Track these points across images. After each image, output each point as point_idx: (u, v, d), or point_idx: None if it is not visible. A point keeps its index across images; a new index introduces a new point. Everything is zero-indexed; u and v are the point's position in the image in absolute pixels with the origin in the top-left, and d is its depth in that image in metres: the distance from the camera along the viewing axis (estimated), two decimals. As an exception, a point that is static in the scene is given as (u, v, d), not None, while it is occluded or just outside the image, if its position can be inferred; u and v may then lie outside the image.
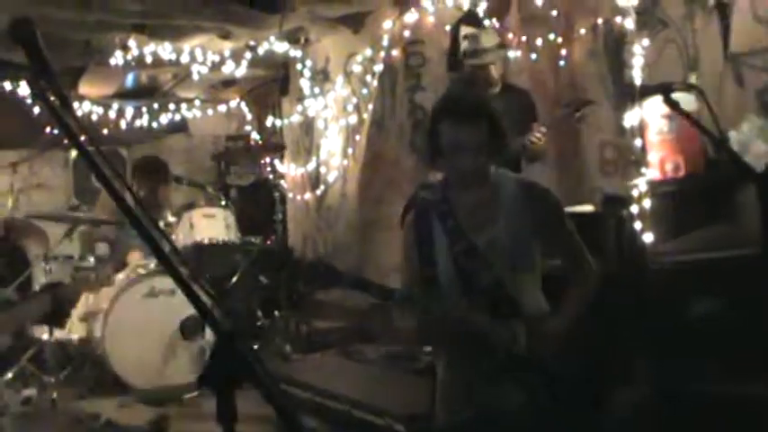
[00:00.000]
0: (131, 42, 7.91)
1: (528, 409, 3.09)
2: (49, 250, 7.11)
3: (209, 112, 10.32)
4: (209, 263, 6.90)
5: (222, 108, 10.39)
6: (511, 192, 3.29)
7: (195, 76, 8.81)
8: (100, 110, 9.38)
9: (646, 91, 4.84)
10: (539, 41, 6.42)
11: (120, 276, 6.52)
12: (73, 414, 5.76)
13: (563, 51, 6.29)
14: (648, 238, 4.53)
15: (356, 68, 8.18)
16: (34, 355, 6.35)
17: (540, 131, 5.33)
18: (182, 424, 5.58)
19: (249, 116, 10.72)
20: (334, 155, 8.73)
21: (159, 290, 6.22)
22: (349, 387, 5.64)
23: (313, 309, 7.97)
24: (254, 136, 10.50)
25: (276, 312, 7.38)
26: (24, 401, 5.90)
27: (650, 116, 4.82)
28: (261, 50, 8.30)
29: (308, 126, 9.29)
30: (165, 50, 8.17)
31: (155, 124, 9.88)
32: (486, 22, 6.74)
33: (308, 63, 8.96)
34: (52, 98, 1.78)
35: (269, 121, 9.93)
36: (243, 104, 10.62)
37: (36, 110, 8.37)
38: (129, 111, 9.65)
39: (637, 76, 5.15)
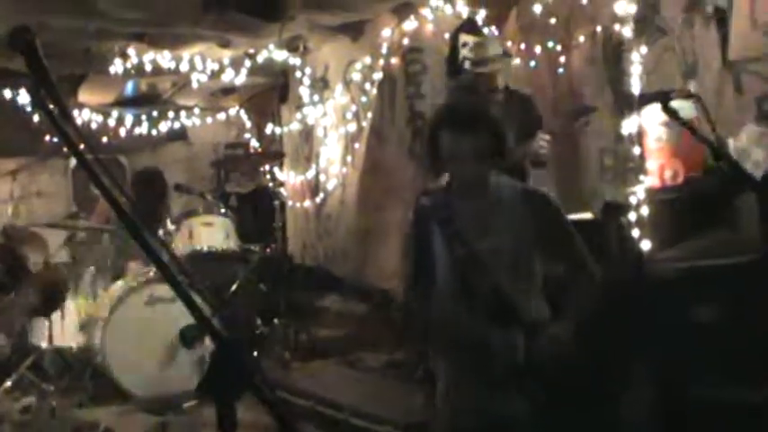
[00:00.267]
0: (131, 50, 7.93)
1: (528, 417, 3.09)
2: (49, 258, 7.11)
3: (209, 119, 10.34)
4: (208, 271, 6.90)
5: (222, 116, 10.40)
6: (512, 199, 3.29)
7: (195, 84, 8.83)
8: (99, 118, 9.40)
9: (644, 99, 4.84)
10: (537, 49, 6.44)
11: (120, 284, 6.52)
12: (72, 422, 5.75)
13: (562, 59, 6.30)
14: (647, 245, 4.54)
15: (355, 76, 8.18)
16: (33, 363, 6.34)
17: (545, 139, 5.34)
18: (181, 432, 5.58)
19: (248, 124, 10.72)
20: (334, 162, 8.74)
21: (158, 297, 6.22)
22: (349, 395, 5.65)
23: (312, 316, 7.97)
24: (254, 144, 10.51)
25: (275, 320, 7.37)
26: (23, 410, 5.90)
27: (649, 124, 4.83)
28: (260, 58, 8.32)
29: (307, 134, 9.30)
30: (165, 58, 8.18)
31: (154, 132, 9.90)
32: (485, 30, 6.76)
33: (308, 71, 8.97)
34: (52, 106, 1.78)
35: (268, 128, 9.94)
36: (242, 112, 10.62)
37: (36, 118, 8.37)
38: (129, 118, 9.66)
39: (635, 84, 5.16)
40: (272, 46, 8.21)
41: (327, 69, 8.81)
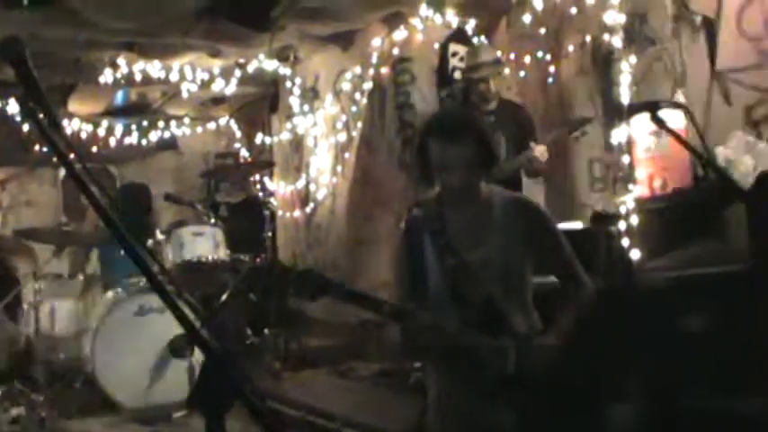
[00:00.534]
0: (121, 60, 7.93)
1: (518, 427, 3.09)
2: (38, 268, 7.09)
3: (199, 129, 10.34)
4: (198, 281, 6.88)
5: (212, 125, 10.40)
6: (503, 209, 3.29)
7: (185, 94, 8.83)
8: (89, 127, 9.38)
9: (633, 108, 4.86)
10: (527, 59, 6.46)
11: (109, 294, 6.50)
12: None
13: (551, 69, 6.32)
14: (636, 254, 4.54)
15: (345, 86, 8.19)
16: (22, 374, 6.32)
17: (542, 150, 5.35)
18: (171, 443, 5.57)
19: (238, 134, 10.72)
20: (324, 172, 8.74)
21: (148, 308, 6.20)
22: (340, 405, 5.64)
23: (303, 326, 7.96)
24: (244, 153, 10.51)
25: (266, 330, 7.35)
26: (13, 420, 5.87)
27: (638, 133, 4.84)
28: (250, 68, 8.33)
29: (297, 144, 9.31)
30: (155, 68, 8.18)
31: (144, 142, 9.89)
32: (475, 40, 6.78)
33: (298, 81, 8.98)
34: (41, 116, 1.78)
35: (258, 138, 9.94)
36: (232, 122, 10.62)
37: (25, 127, 8.36)
38: (119, 128, 9.65)
39: (624, 94, 5.17)
40: (262, 56, 8.22)
41: (317, 79, 8.82)
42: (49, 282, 6.60)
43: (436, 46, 7.25)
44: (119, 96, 9.78)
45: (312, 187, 9.00)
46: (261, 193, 9.19)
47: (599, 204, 5.70)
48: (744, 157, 4.45)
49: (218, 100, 10.12)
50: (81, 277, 6.75)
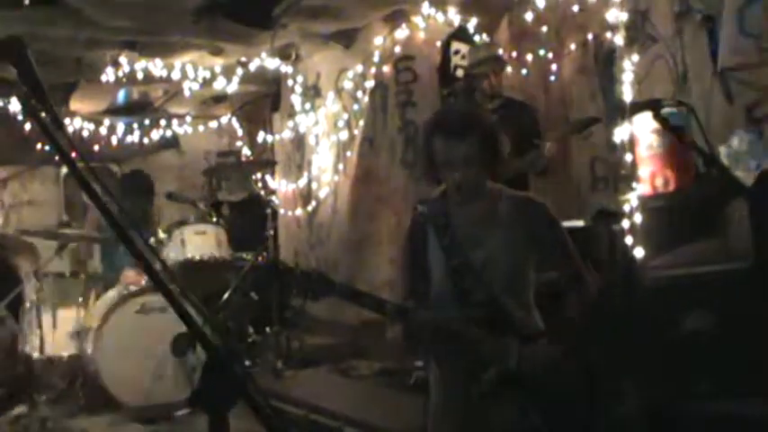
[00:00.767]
0: (122, 59, 7.92)
1: (519, 426, 3.08)
2: (40, 267, 7.09)
3: (201, 128, 10.34)
4: (200, 280, 6.88)
5: (213, 124, 10.40)
6: (508, 207, 3.29)
7: (186, 93, 8.83)
8: (91, 126, 9.40)
9: (636, 107, 4.85)
10: (529, 57, 6.46)
11: (111, 293, 6.50)
12: (63, 432, 5.74)
13: (553, 67, 6.32)
14: (639, 252, 4.54)
15: (347, 84, 8.19)
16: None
17: (548, 145, 5.35)
18: (173, 442, 5.57)
19: (240, 132, 10.73)
20: (326, 171, 8.74)
21: (150, 307, 6.20)
22: (341, 403, 5.64)
23: (304, 325, 7.96)
24: (246, 152, 10.51)
25: (268, 329, 7.35)
26: (14, 420, 5.87)
27: (640, 131, 4.83)
28: (252, 66, 8.32)
29: (299, 142, 9.30)
30: (157, 67, 8.18)
31: (146, 140, 9.91)
32: (477, 38, 6.78)
33: (300, 79, 8.97)
34: (43, 115, 1.78)
35: (260, 136, 9.95)
36: (234, 120, 10.63)
37: (27, 126, 8.36)
38: (121, 127, 9.67)
39: (627, 92, 5.17)
40: (264, 54, 8.22)
41: (319, 77, 8.82)
42: (50, 280, 6.60)
43: (438, 44, 7.25)
44: (120, 95, 9.79)
45: (314, 186, 9.00)
46: (262, 192, 9.19)
47: (601, 203, 5.71)
48: (746, 156, 4.44)
49: (220, 98, 10.13)
50: (83, 276, 6.74)
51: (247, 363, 6.81)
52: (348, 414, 5.27)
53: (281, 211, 9.37)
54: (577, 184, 6.19)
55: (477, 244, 3.23)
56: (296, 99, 9.01)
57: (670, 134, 4.15)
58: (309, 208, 9.06)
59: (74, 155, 1.78)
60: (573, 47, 6.16)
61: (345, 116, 8.34)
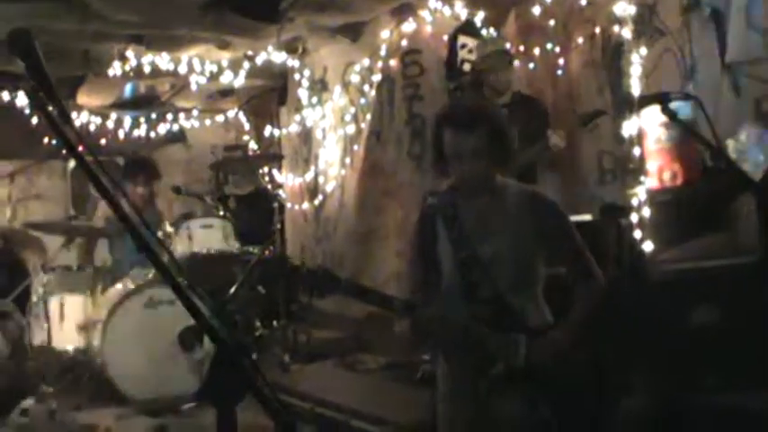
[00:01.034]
0: (129, 53, 7.92)
1: (527, 420, 3.08)
2: (47, 261, 7.10)
3: (208, 122, 10.33)
4: (207, 273, 6.89)
5: (220, 118, 10.39)
6: (516, 201, 3.29)
7: (193, 86, 8.82)
8: (98, 120, 9.39)
9: (644, 100, 4.84)
10: (536, 51, 6.44)
11: (119, 286, 6.52)
12: (71, 425, 5.74)
13: (561, 61, 6.30)
14: (648, 246, 4.53)
15: (354, 78, 8.18)
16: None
17: (557, 136, 5.35)
18: (180, 435, 5.57)
19: (247, 126, 10.72)
20: (333, 165, 8.73)
21: (158, 300, 6.21)
22: (348, 397, 5.64)
23: (311, 318, 7.96)
24: (253, 146, 10.51)
25: (275, 322, 7.36)
26: (22, 412, 5.88)
27: (648, 125, 4.82)
28: (259, 60, 8.31)
29: (306, 136, 9.30)
30: (164, 60, 8.18)
31: (153, 134, 9.90)
32: (484, 32, 6.76)
33: (306, 73, 8.96)
34: (50, 108, 1.78)
35: (267, 130, 9.93)
36: (241, 114, 10.62)
37: (34, 120, 8.37)
38: (128, 121, 9.67)
39: (634, 86, 5.16)
40: (270, 48, 8.21)
41: (326, 71, 8.81)
42: (58, 274, 6.60)
43: (445, 38, 7.23)
44: (127, 89, 9.79)
45: (321, 179, 8.99)
46: (269, 186, 9.18)
47: (610, 197, 5.70)
48: (754, 149, 4.43)
49: (227, 92, 10.11)
50: (90, 269, 6.75)
51: (254, 356, 6.82)
52: (355, 407, 5.28)
53: (288, 204, 9.37)
54: (585, 177, 6.17)
55: (484, 238, 3.23)
56: (303, 93, 9.00)
57: (678, 127, 4.14)
58: (316, 202, 9.06)
59: (81, 149, 1.78)
60: (580, 40, 6.14)
61: (352, 110, 8.33)
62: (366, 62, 7.92)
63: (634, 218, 4.66)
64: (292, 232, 9.48)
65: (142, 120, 9.80)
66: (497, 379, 3.10)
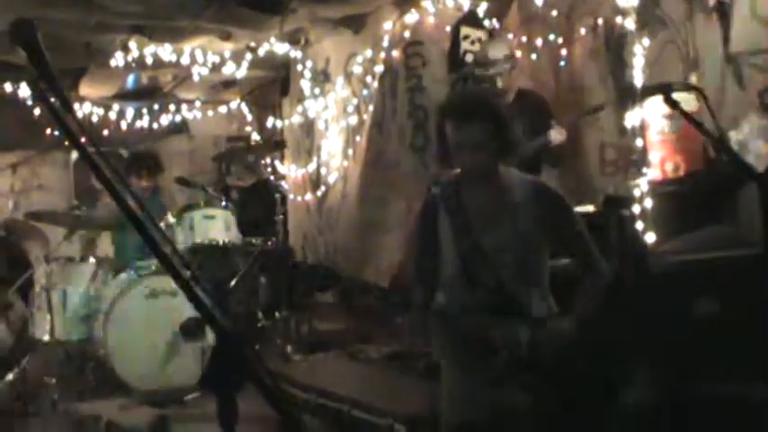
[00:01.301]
0: (132, 44, 7.92)
1: (530, 411, 3.09)
2: (50, 252, 7.11)
3: (210, 113, 10.34)
4: (209, 264, 6.90)
5: (223, 109, 10.40)
6: (520, 192, 3.29)
7: (196, 78, 8.82)
8: (100, 111, 9.41)
9: (646, 91, 4.83)
10: (539, 42, 6.42)
11: (121, 277, 6.52)
12: (74, 415, 5.75)
13: (563, 52, 6.29)
14: (650, 238, 4.53)
15: (356, 69, 8.17)
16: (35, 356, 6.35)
17: (559, 129, 5.36)
18: (183, 425, 5.57)
19: (250, 117, 10.73)
20: (335, 156, 8.73)
21: (160, 290, 6.21)
22: (350, 387, 5.64)
23: (313, 309, 7.97)
24: (255, 137, 10.51)
25: (277, 313, 7.37)
26: (24, 403, 5.90)
27: (651, 116, 4.82)
28: (261, 51, 8.31)
29: (308, 127, 9.30)
30: (166, 52, 8.18)
31: (155, 125, 9.92)
32: (487, 23, 6.75)
33: (309, 64, 8.96)
34: (53, 99, 1.78)
35: (269, 121, 9.93)
36: (243, 105, 10.63)
37: (36, 111, 8.38)
38: (130, 112, 9.68)
39: (637, 77, 5.14)
40: (273, 39, 8.21)
41: (329, 62, 8.80)
42: (60, 265, 6.61)
43: (448, 29, 7.21)
44: (130, 80, 9.80)
45: (323, 171, 9.00)
46: (272, 177, 9.18)
47: (612, 188, 5.69)
48: (757, 141, 4.43)
49: (229, 83, 10.12)
50: (92, 260, 6.75)
51: (256, 347, 6.83)
52: (356, 398, 5.28)
53: (291, 195, 9.37)
54: (587, 168, 6.17)
55: (488, 227, 3.24)
56: (305, 84, 9.00)
57: (681, 118, 4.13)
58: (319, 193, 9.07)
59: (83, 140, 1.78)
60: (583, 31, 6.12)
61: (355, 101, 8.33)
62: (369, 53, 7.91)
63: (636, 209, 4.65)
64: (295, 223, 9.48)
65: (144, 111, 9.81)
66: (501, 370, 3.10)
